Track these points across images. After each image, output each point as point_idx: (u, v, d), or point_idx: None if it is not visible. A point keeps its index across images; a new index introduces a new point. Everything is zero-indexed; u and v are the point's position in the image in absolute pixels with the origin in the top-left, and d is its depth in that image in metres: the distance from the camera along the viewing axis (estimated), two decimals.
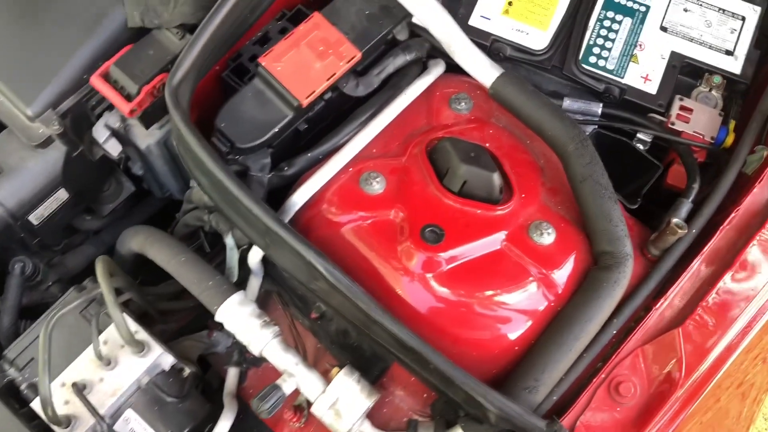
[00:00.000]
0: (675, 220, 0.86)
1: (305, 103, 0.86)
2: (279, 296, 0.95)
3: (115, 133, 0.99)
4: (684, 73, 1.05)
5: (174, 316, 1.05)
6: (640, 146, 1.02)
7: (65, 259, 1.14)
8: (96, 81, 0.92)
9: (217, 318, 0.87)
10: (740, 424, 1.04)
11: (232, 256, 0.94)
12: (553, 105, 0.89)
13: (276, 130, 0.86)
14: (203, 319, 0.97)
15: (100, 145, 0.99)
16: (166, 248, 0.93)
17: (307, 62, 0.87)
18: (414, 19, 0.93)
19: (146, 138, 1.01)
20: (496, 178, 0.86)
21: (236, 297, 0.87)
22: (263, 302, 0.97)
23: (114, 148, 1.00)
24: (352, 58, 0.88)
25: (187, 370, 0.96)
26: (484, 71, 0.91)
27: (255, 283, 0.93)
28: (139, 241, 0.97)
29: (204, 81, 0.92)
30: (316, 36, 0.88)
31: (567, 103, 1.02)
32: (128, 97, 0.92)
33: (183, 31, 0.93)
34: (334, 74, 0.87)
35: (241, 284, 0.96)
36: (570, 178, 0.87)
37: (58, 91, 0.93)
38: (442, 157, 0.88)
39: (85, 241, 1.16)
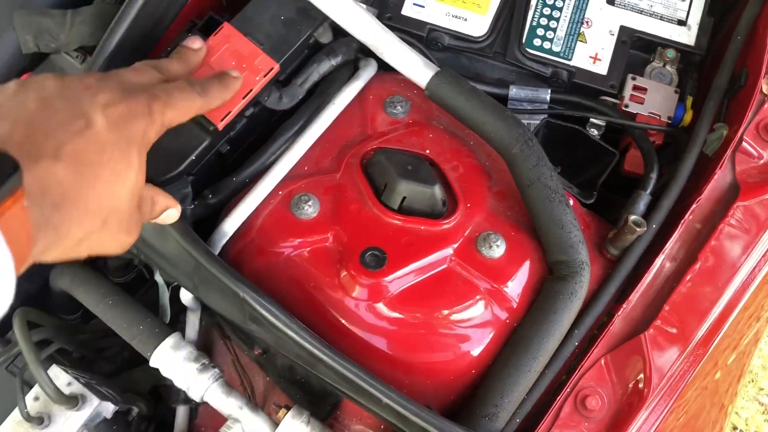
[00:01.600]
0: (632, 218, 0.80)
1: (221, 126, 0.78)
2: (220, 329, 0.89)
3: None
4: (636, 48, 0.98)
5: (116, 350, 0.99)
6: (594, 131, 0.95)
7: None
8: None
9: (152, 364, 0.81)
10: None
11: (164, 294, 0.87)
12: (493, 104, 0.81)
13: (193, 158, 0.79)
14: None
15: None
16: (92, 290, 0.87)
17: None
18: (330, 22, 0.84)
19: None
20: (438, 191, 0.79)
21: (169, 341, 0.81)
22: (206, 336, 0.91)
23: None
24: (270, 71, 0.80)
25: (135, 410, 0.91)
26: (417, 71, 0.83)
27: (194, 318, 0.87)
28: (65, 281, 0.90)
29: None
30: (227, 50, 0.80)
31: (513, 91, 0.95)
32: None
33: (84, 54, 0.85)
34: (251, 90, 0.79)
35: (177, 321, 0.90)
36: (517, 182, 0.81)
37: None
38: (378, 172, 0.81)
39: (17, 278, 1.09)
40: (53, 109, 0.57)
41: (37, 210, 0.52)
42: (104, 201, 0.58)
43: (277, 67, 0.80)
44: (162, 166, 0.78)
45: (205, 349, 0.91)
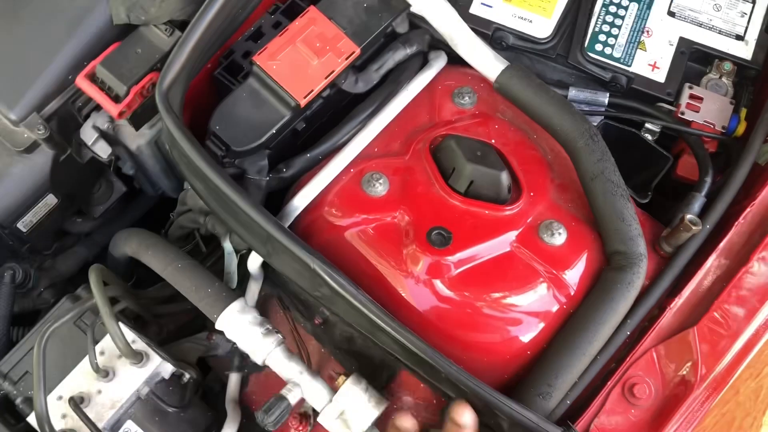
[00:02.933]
0: (689, 216, 0.83)
1: (303, 103, 0.82)
2: (280, 300, 0.92)
3: (103, 135, 0.95)
4: (693, 60, 1.01)
5: (171, 319, 1.02)
6: (649, 136, 0.99)
7: (57, 263, 1.10)
8: (82, 82, 0.87)
9: (218, 326, 0.84)
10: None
11: (231, 261, 0.91)
12: (561, 99, 0.85)
13: (273, 131, 0.83)
14: (202, 320, 0.95)
15: (89, 147, 0.95)
16: (161, 254, 0.90)
17: (303, 60, 0.83)
18: (413, 10, 0.88)
19: (137, 138, 0.98)
20: (504, 177, 0.83)
21: (236, 305, 0.84)
22: (263, 306, 0.94)
23: (103, 150, 0.96)
24: (351, 54, 0.84)
25: (187, 376, 0.94)
26: (489, 64, 0.87)
27: (255, 287, 0.90)
28: (132, 246, 0.93)
29: (196, 80, 0.88)
30: (312, 31, 0.84)
31: (573, 93, 0.99)
32: (116, 99, 0.88)
33: (172, 28, 0.89)
34: (333, 72, 0.83)
35: (240, 288, 0.93)
36: (580, 175, 0.84)
37: (43, 93, 0.88)
38: (446, 156, 0.84)
39: (77, 243, 1.13)
40: None
41: None
42: None
43: (358, 51, 0.84)
44: (244, 137, 0.82)
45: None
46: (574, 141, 0.83)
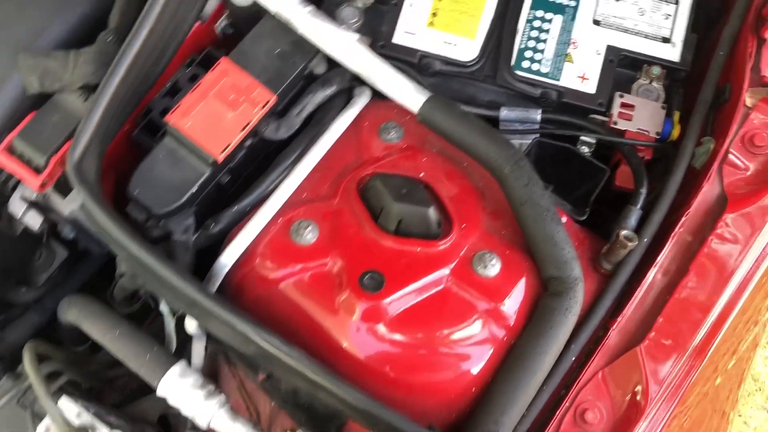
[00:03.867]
0: (624, 233, 0.82)
1: (221, 158, 0.81)
2: (225, 356, 0.91)
3: (33, 205, 0.94)
4: (623, 66, 1.00)
5: (131, 378, 1.01)
6: (585, 148, 0.97)
7: (6, 335, 1.08)
8: (0, 157, 0.86)
9: (159, 393, 0.83)
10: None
11: (169, 323, 0.89)
12: (484, 126, 0.84)
13: (194, 190, 0.81)
14: None
15: (19, 220, 0.93)
16: (99, 322, 0.89)
17: (218, 114, 0.82)
18: (325, 52, 0.87)
19: (68, 204, 0.96)
20: (432, 213, 0.81)
21: (176, 369, 0.83)
22: (211, 363, 0.92)
23: (35, 221, 0.94)
24: (267, 103, 0.83)
25: None
26: (409, 97, 0.86)
27: (199, 346, 0.89)
28: (73, 314, 0.92)
29: (116, 142, 0.87)
30: (225, 84, 0.82)
31: (504, 113, 0.98)
32: (37, 170, 0.86)
33: (87, 93, 0.87)
34: (249, 123, 0.82)
35: (183, 348, 0.92)
36: (509, 201, 0.83)
37: None
38: (374, 196, 0.83)
39: (26, 310, 1.11)
40: None
41: None
42: None
43: (274, 99, 0.83)
44: (165, 199, 0.81)
45: (211, 375, 0.93)
46: (500, 168, 0.82)
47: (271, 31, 0.85)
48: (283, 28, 0.86)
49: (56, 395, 0.87)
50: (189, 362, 0.88)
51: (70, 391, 0.91)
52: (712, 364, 0.87)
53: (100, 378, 0.98)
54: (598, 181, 0.95)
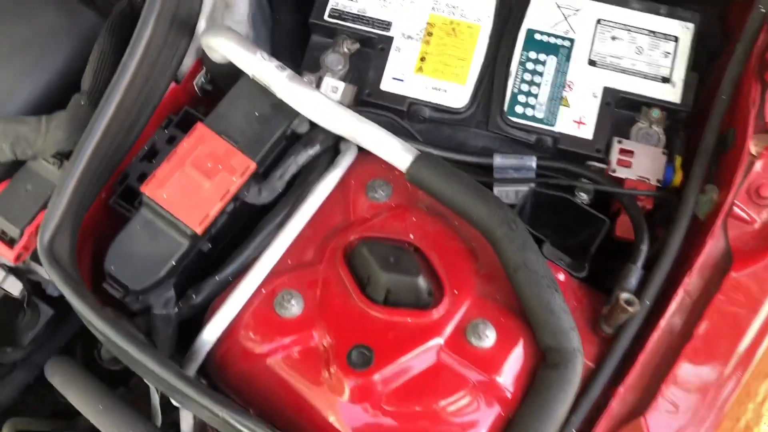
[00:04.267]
0: (624, 296, 0.78)
1: (200, 230, 0.77)
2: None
3: (12, 270, 0.91)
4: (621, 107, 0.96)
5: None
6: (584, 196, 0.93)
7: None
8: None
9: None
10: None
11: (154, 396, 0.86)
12: (474, 186, 0.80)
13: (173, 263, 0.78)
14: None
15: None
16: (83, 393, 0.86)
17: (195, 183, 0.78)
18: (305, 115, 0.83)
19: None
20: (422, 282, 0.78)
21: None
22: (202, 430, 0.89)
23: (14, 287, 0.91)
24: (246, 170, 0.79)
25: None
26: (397, 156, 0.82)
27: (187, 416, 0.86)
28: (57, 381, 0.90)
29: (93, 210, 0.83)
30: (201, 151, 0.79)
31: (498, 160, 0.94)
32: (11, 242, 0.83)
33: (61, 159, 0.84)
34: (228, 191, 0.78)
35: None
36: (503, 265, 0.79)
37: None
38: (361, 264, 0.79)
39: (12, 370, 1.08)
40: None
41: None
42: None
43: (253, 165, 0.79)
44: (142, 274, 0.78)
45: None
46: (493, 231, 0.78)
47: (248, 94, 0.82)
48: (262, 90, 0.82)
49: None
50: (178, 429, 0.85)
51: None
52: None
53: None
54: (597, 232, 0.91)
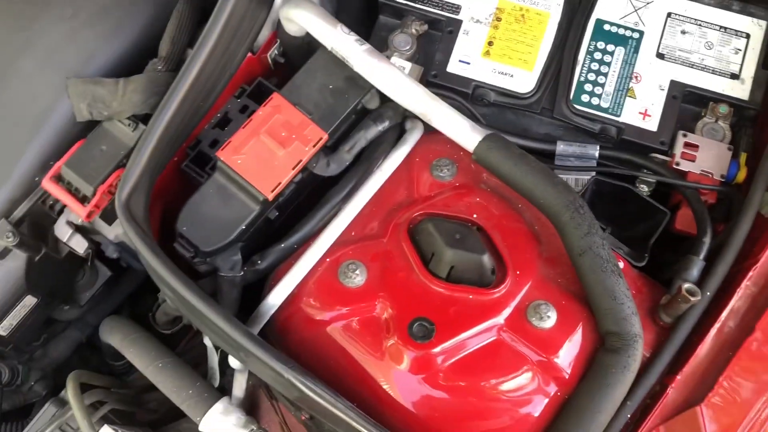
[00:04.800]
0: (686, 286, 0.78)
1: (271, 196, 0.79)
2: (267, 390, 0.90)
3: (79, 229, 0.93)
4: (688, 101, 0.96)
5: (157, 403, 1.00)
6: (645, 187, 0.93)
7: (48, 350, 1.09)
8: (48, 185, 0.85)
9: (201, 429, 0.82)
10: None
11: (212, 357, 0.88)
12: (542, 169, 0.80)
13: (243, 227, 0.79)
14: None
15: (65, 243, 0.93)
16: (142, 352, 0.88)
17: (269, 151, 0.80)
18: (378, 89, 0.84)
19: (113, 228, 0.95)
20: (486, 260, 0.79)
21: (219, 406, 0.82)
22: (252, 396, 0.91)
23: (80, 245, 0.93)
24: (319, 141, 0.80)
25: None
26: (465, 136, 0.83)
27: (241, 379, 0.88)
28: (116, 340, 0.92)
29: (164, 173, 0.85)
30: (276, 120, 0.80)
31: (561, 147, 0.94)
32: (84, 199, 0.86)
33: (136, 122, 0.86)
34: (300, 161, 0.80)
35: (223, 374, 0.91)
36: (567, 249, 0.79)
37: (9, 197, 0.86)
38: (425, 240, 0.80)
39: (67, 327, 1.11)
40: None
41: None
42: None
43: (326, 137, 0.81)
44: (213, 237, 0.79)
45: (252, 407, 0.92)
46: (559, 214, 0.79)
47: (324, 66, 0.83)
48: (337, 63, 0.83)
49: (98, 424, 0.86)
50: (230, 394, 0.87)
51: (111, 419, 0.91)
52: None
53: (136, 402, 0.98)
54: (658, 224, 0.91)
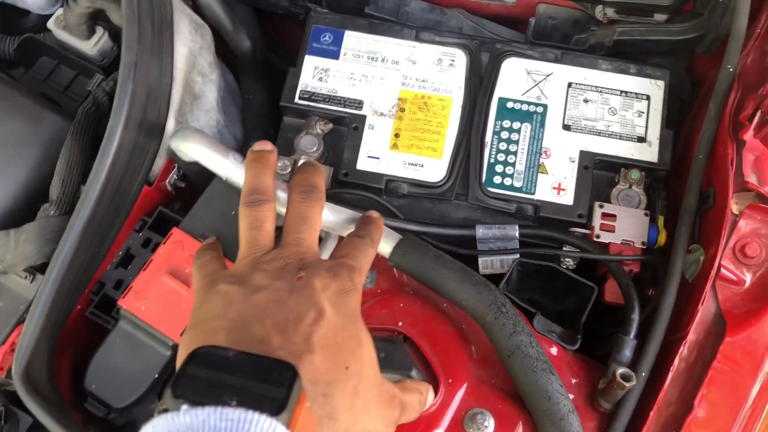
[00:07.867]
0: (620, 371, 0.76)
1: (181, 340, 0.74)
2: None
3: None
4: (599, 168, 0.95)
5: None
6: (570, 260, 0.92)
7: None
8: None
9: None
10: None
11: None
12: (460, 269, 0.78)
13: (156, 375, 0.75)
14: None
15: None
16: None
17: (174, 292, 0.76)
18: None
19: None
20: (415, 375, 0.76)
21: None
22: None
23: None
24: None
25: None
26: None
27: None
28: None
29: (70, 323, 0.80)
30: (179, 257, 0.77)
31: (481, 231, 0.92)
32: None
33: (33, 272, 0.81)
34: None
35: None
36: (496, 350, 0.77)
37: None
38: None
39: None
40: (287, 306, 0.58)
41: (315, 405, 0.53)
42: (357, 380, 0.58)
43: None
44: (124, 391, 0.75)
45: None
46: (483, 316, 0.77)
47: (222, 193, 0.80)
48: (236, 188, 0.80)
49: None
50: None
51: None
52: None
53: None
54: (587, 298, 0.89)
